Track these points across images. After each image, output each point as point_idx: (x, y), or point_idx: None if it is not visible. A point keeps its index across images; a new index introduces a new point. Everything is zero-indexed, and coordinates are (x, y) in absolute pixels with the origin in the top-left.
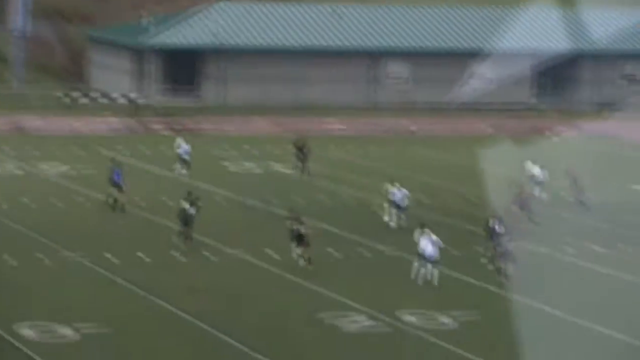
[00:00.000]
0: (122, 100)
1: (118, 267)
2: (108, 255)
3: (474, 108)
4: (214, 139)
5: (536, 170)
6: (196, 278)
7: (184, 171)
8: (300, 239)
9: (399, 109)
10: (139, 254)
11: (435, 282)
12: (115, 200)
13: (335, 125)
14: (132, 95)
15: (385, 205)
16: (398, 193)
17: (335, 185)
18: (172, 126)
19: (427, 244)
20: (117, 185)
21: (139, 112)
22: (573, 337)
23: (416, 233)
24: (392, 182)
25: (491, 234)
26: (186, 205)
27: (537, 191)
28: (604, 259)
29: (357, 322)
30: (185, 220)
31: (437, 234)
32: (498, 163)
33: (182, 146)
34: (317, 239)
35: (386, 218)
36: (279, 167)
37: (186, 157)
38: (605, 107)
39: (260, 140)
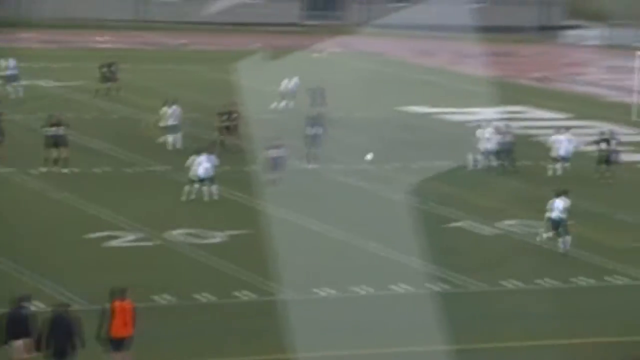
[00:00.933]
0: None
1: None
2: None
3: (245, 25)
4: None
5: (292, 83)
6: None
7: None
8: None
9: (170, 27)
10: None
11: (208, 198)
12: None
13: (104, 41)
14: None
15: (161, 124)
16: (172, 112)
17: (107, 103)
18: None
19: (202, 163)
20: None
21: None
22: (334, 250)
23: (192, 157)
24: (167, 103)
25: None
26: None
27: (284, 104)
28: (368, 176)
29: (125, 239)
30: None
31: (211, 152)
32: (259, 78)
33: None
34: (87, 158)
35: (161, 139)
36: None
37: None
38: (371, 25)
39: (28, 57)
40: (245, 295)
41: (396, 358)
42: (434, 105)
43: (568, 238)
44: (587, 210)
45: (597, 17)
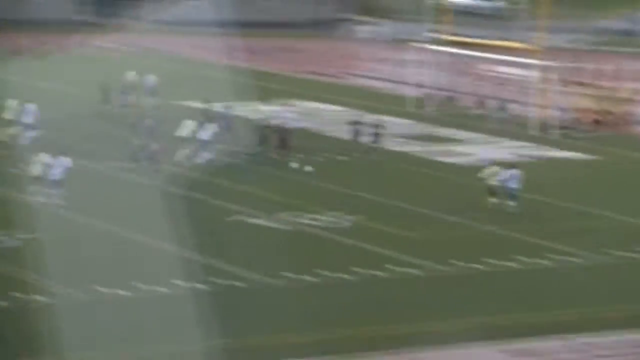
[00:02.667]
0: None
1: None
2: None
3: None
4: None
5: None
6: None
7: None
8: None
9: None
10: None
11: None
12: None
13: None
14: None
15: None
16: None
17: None
18: None
19: None
20: None
21: None
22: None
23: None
24: None
25: None
26: None
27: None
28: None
29: None
30: None
31: None
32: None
33: None
34: None
35: None
36: None
37: None
38: (145, 21)
39: None
40: None
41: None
42: (210, 101)
43: None
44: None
45: (373, 12)
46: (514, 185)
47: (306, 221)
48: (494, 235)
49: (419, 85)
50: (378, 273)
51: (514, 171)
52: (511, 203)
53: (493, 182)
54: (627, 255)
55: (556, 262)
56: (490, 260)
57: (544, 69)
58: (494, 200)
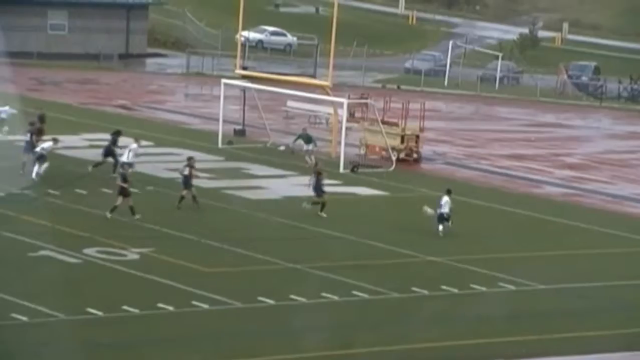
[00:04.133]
0: None
1: None
2: None
3: None
4: None
5: None
6: None
7: None
8: None
9: None
10: None
11: None
12: None
13: None
14: None
15: None
16: None
17: None
18: None
19: None
20: None
21: None
22: None
23: None
24: None
25: None
26: None
27: None
28: None
29: None
30: None
31: None
32: None
33: None
34: None
35: None
36: None
37: None
38: None
39: None
40: None
41: None
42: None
43: None
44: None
45: (179, 46)
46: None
47: (94, 254)
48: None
49: (215, 119)
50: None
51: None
52: None
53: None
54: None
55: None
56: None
57: (334, 104)
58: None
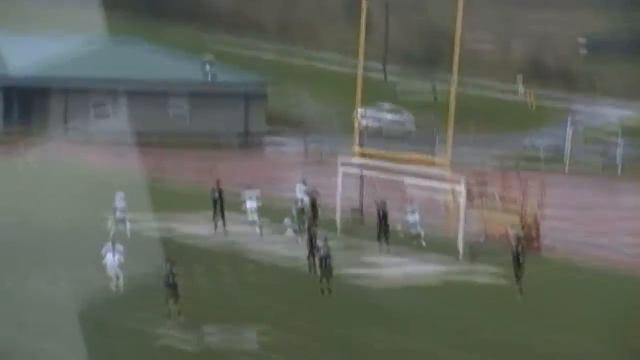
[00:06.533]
0: None
1: None
2: None
3: None
4: None
5: None
6: None
7: None
8: None
9: None
10: None
11: None
12: None
13: None
14: None
15: None
16: None
17: None
18: None
19: None
20: None
21: None
22: None
23: None
24: None
25: None
26: None
27: None
28: None
29: None
30: None
31: None
32: None
33: None
34: None
35: None
36: None
37: None
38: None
39: None
40: None
41: None
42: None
43: None
44: None
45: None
46: None
47: None
48: None
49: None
50: None
51: None
52: None
53: None
54: None
55: None
56: None
57: (452, 182)
58: None
